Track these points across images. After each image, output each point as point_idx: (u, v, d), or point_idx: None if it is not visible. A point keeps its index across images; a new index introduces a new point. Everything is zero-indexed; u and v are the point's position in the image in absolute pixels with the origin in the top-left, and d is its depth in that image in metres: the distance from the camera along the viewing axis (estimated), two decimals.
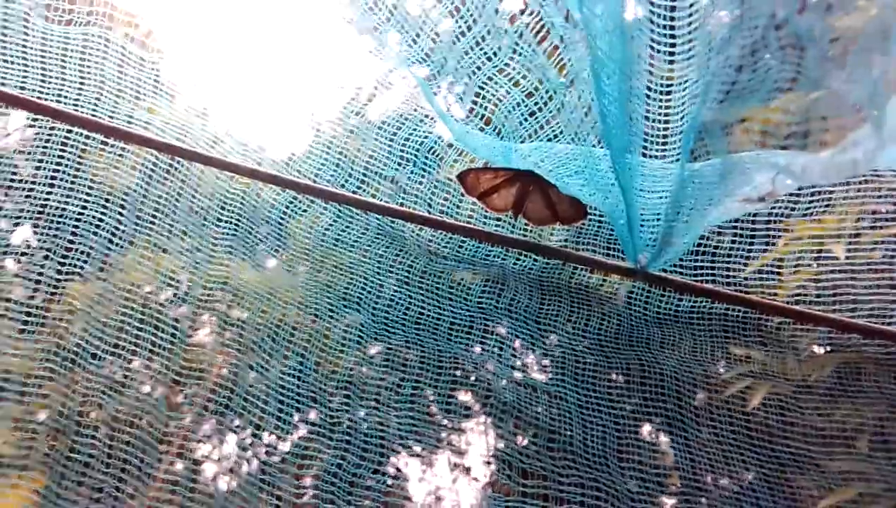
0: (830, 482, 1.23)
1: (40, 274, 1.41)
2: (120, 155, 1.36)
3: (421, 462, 1.84)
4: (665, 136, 1.05)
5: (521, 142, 1.19)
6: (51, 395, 1.47)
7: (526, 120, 1.20)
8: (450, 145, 1.37)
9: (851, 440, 1.22)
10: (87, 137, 1.38)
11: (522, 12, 1.12)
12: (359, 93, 1.37)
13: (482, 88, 1.21)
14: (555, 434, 1.65)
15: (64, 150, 1.36)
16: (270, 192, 1.44)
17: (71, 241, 1.39)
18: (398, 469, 1.80)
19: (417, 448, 1.77)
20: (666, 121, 1.04)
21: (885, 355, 1.19)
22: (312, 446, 1.67)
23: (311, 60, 1.42)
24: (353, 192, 1.41)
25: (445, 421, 1.80)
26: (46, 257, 1.38)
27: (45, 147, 1.36)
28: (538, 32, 1.12)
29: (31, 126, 1.36)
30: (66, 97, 1.36)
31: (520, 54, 1.15)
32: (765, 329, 1.29)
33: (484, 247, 1.48)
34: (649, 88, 0.99)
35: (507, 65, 1.16)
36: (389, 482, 1.75)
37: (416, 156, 1.37)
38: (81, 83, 1.35)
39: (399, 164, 1.37)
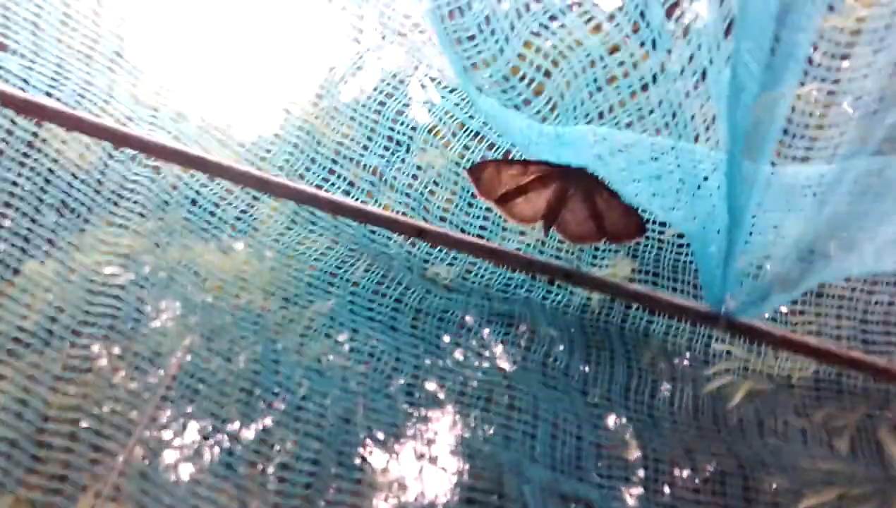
0: (811, 482, 1.21)
1: None
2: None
3: (387, 451, 1.83)
4: (820, 126, 0.76)
5: (580, 124, 0.85)
6: (6, 379, 1.42)
7: (599, 91, 0.80)
8: (430, 131, 1.14)
9: (832, 440, 1.20)
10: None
11: None
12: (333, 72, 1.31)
13: (535, 36, 0.80)
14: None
15: (13, 126, 1.30)
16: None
17: (31, 220, 1.34)
18: (364, 459, 1.78)
19: (384, 437, 1.76)
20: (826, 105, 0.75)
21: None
22: (278, 434, 1.64)
23: (284, 38, 1.38)
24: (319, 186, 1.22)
25: (413, 411, 1.79)
26: (1, 236, 1.32)
27: None
28: None
29: None
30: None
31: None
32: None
33: (501, 273, 1.17)
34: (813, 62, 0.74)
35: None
36: (357, 471, 1.74)
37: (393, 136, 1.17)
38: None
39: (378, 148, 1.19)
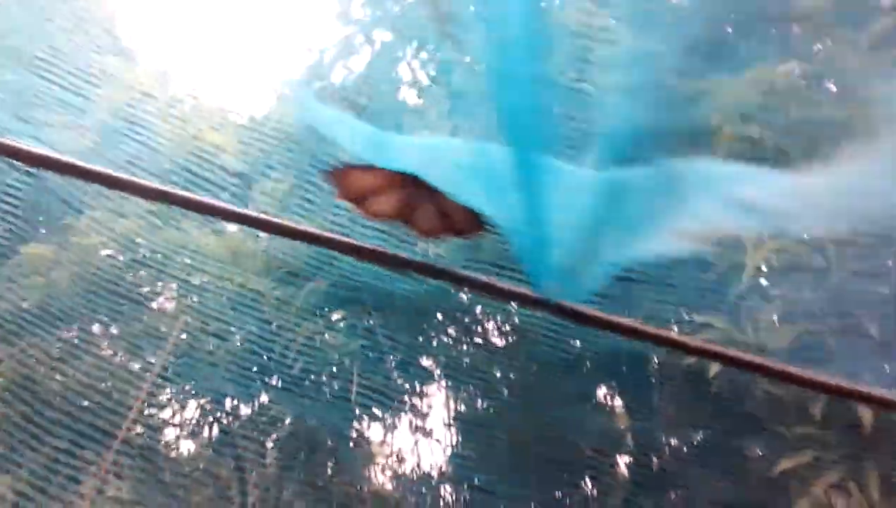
0: (788, 447, 1.26)
1: None
2: (76, 108, 1.31)
3: (383, 425, 1.87)
4: (589, 134, 0.83)
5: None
6: (5, 360, 1.45)
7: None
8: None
9: (806, 407, 1.25)
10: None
11: None
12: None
13: None
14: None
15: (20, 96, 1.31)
16: (230, 155, 1.42)
17: (30, 203, 1.35)
18: (361, 433, 1.82)
19: (380, 411, 1.79)
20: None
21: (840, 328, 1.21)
22: (275, 411, 1.68)
23: (276, 21, 1.39)
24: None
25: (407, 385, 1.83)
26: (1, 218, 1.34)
27: None
28: None
29: None
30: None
31: None
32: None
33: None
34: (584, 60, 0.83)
35: None
36: (354, 445, 1.78)
37: None
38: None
39: None
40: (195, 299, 1.53)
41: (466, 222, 0.93)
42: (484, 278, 0.99)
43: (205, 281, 1.51)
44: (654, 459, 1.60)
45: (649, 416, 1.57)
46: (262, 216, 0.97)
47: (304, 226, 1.02)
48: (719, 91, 1.21)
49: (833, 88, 1.33)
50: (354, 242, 1.01)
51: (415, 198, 0.92)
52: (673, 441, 1.53)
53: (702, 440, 1.44)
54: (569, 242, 0.81)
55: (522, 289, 0.94)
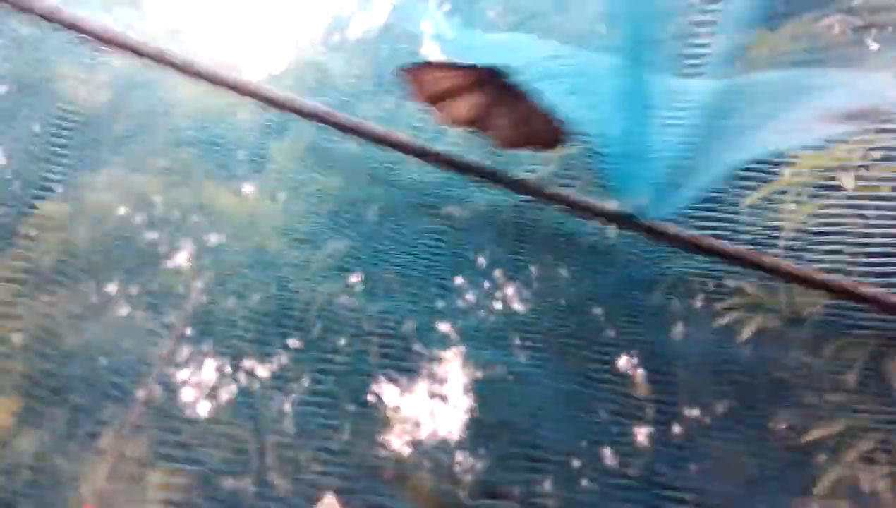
0: (819, 416, 1.23)
1: (10, 193, 1.36)
2: (90, 65, 1.29)
3: (401, 390, 1.86)
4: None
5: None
6: (25, 317, 1.45)
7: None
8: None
9: (840, 374, 1.21)
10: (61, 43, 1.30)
11: None
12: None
13: None
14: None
15: (37, 52, 1.29)
16: (247, 112, 1.39)
17: (44, 160, 1.34)
18: (379, 397, 1.81)
19: (397, 375, 1.78)
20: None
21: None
22: (293, 372, 1.67)
23: None
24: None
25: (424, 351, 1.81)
26: (16, 176, 1.33)
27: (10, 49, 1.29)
28: None
29: None
30: None
31: None
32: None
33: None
34: None
35: None
36: (371, 409, 1.77)
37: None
38: None
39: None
40: (212, 259, 1.51)
41: (547, 132, 0.87)
42: (572, 194, 1.00)
43: (222, 241, 1.49)
44: (677, 428, 1.58)
45: (672, 385, 1.54)
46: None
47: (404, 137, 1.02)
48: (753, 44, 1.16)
49: (874, 45, 1.28)
50: (451, 156, 1.01)
51: (494, 102, 0.86)
52: (696, 410, 1.50)
53: (727, 409, 1.41)
54: (663, 159, 0.78)
55: (609, 206, 0.94)
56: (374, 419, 1.81)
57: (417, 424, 1.95)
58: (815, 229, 1.13)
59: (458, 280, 1.75)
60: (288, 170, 1.42)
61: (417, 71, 0.87)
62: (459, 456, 1.87)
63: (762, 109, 0.74)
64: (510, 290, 1.93)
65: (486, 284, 1.86)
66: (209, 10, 1.39)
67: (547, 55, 0.82)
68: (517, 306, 1.91)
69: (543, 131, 0.87)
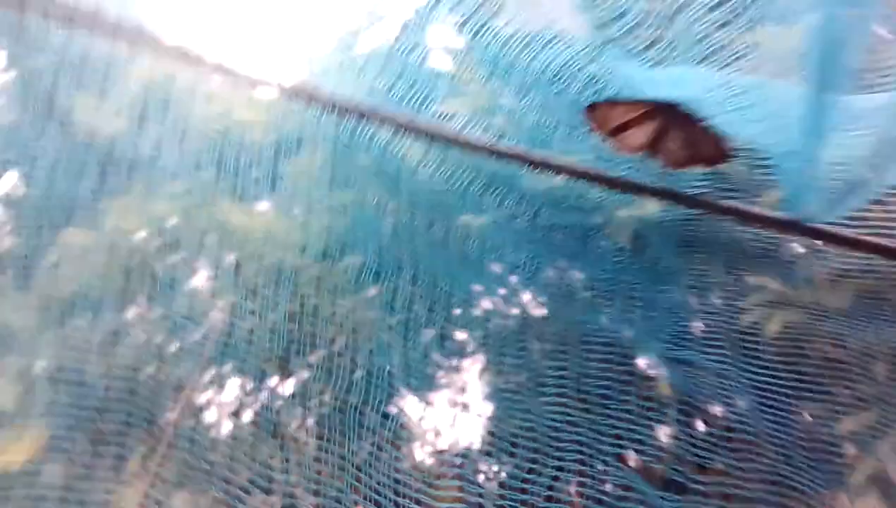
0: (848, 407, 1.23)
1: (31, 223, 1.37)
2: (106, 91, 1.30)
3: (422, 401, 1.86)
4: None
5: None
6: (48, 346, 1.46)
7: (706, 37, 0.99)
8: (452, 78, 1.24)
9: (869, 365, 1.21)
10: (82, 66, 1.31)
11: None
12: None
13: None
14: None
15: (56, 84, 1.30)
16: (259, 132, 1.40)
17: (65, 187, 1.35)
18: (400, 409, 1.82)
19: (418, 386, 1.78)
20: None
21: None
22: (315, 388, 1.68)
23: None
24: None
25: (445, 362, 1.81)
26: (37, 205, 1.34)
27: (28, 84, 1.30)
28: None
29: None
30: None
31: None
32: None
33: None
34: None
35: None
36: (393, 421, 1.77)
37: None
38: None
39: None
40: (230, 279, 1.52)
41: (713, 151, 1.00)
42: (740, 206, 1.11)
43: (240, 261, 1.50)
44: (702, 425, 1.57)
45: (695, 381, 1.54)
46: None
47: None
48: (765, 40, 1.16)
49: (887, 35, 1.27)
50: (623, 177, 1.14)
51: (665, 128, 0.99)
52: (722, 405, 1.50)
53: (753, 405, 1.41)
54: (832, 167, 0.87)
55: (777, 214, 1.03)
56: (397, 431, 1.81)
57: (440, 434, 1.95)
58: None
59: (477, 287, 1.76)
60: (301, 187, 1.43)
61: (598, 109, 1.02)
62: (482, 465, 1.87)
63: None
64: (526, 296, 1.93)
65: (503, 290, 1.87)
66: (219, 29, 1.39)
67: (718, 84, 0.94)
68: (535, 310, 1.91)
69: (711, 149, 1.00)
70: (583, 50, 1.11)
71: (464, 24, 1.12)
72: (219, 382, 1.69)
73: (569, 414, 1.61)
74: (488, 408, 1.91)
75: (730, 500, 1.44)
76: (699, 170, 1.16)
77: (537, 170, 1.26)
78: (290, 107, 1.38)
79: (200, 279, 1.57)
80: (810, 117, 0.79)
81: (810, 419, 1.31)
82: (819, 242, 1.13)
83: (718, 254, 1.37)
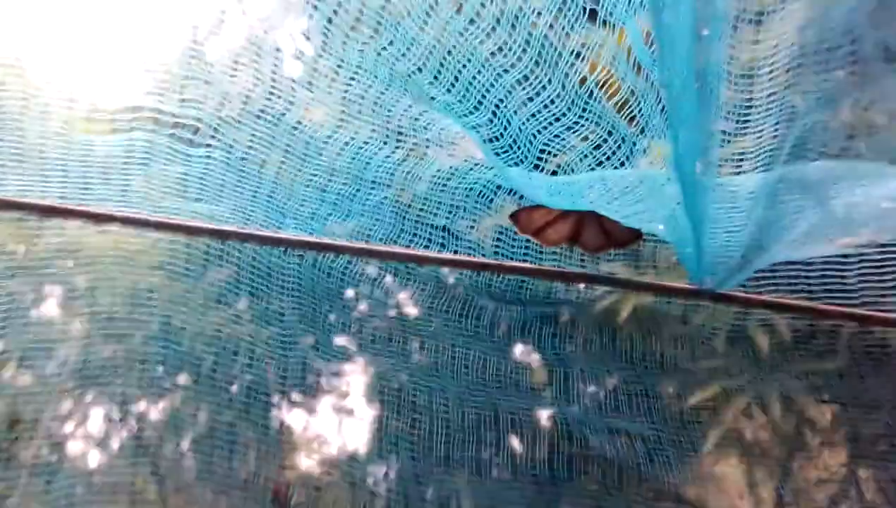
0: (696, 381, 1.35)
1: None
2: None
3: (305, 410, 1.83)
4: (742, 151, 1.01)
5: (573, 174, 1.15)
6: None
7: (594, 169, 1.13)
8: (498, 187, 1.34)
9: (710, 341, 1.33)
10: None
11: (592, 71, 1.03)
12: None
13: (548, 144, 1.13)
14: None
15: None
16: (108, 138, 1.32)
17: None
18: (282, 421, 1.78)
19: (299, 396, 1.75)
20: (745, 122, 0.98)
21: None
22: (188, 410, 1.61)
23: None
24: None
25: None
26: None
27: None
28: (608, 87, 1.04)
29: None
30: None
31: (588, 111, 1.06)
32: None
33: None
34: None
35: (575, 123, 1.08)
36: (276, 434, 1.73)
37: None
38: None
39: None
40: (85, 302, 1.43)
41: (625, 235, 1.14)
42: (651, 281, 1.30)
43: (93, 283, 1.41)
44: (575, 408, 1.65)
45: (566, 368, 1.61)
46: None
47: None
48: None
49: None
50: (538, 267, 1.35)
51: (581, 221, 1.14)
52: (591, 389, 1.57)
53: (618, 384, 1.49)
54: (727, 242, 0.99)
55: (683, 285, 1.18)
56: (280, 444, 1.77)
57: (325, 441, 1.93)
58: None
59: (350, 292, 1.75)
60: (155, 199, 1.36)
61: (520, 214, 1.18)
62: (371, 469, 1.87)
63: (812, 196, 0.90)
64: (403, 295, 1.94)
65: (377, 291, 1.87)
66: (51, 38, 1.30)
67: (615, 184, 1.05)
68: (411, 310, 1.93)
69: (622, 234, 1.14)
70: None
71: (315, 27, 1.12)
72: (81, 413, 1.59)
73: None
74: (373, 410, 1.91)
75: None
76: (614, 252, 1.31)
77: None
78: (138, 120, 1.31)
79: (50, 306, 1.47)
80: (687, 203, 0.89)
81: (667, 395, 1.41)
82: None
83: None
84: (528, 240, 1.36)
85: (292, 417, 1.80)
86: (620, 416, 1.46)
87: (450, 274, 1.62)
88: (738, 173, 1.01)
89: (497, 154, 1.14)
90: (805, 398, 1.31)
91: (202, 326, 1.46)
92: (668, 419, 1.40)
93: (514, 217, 1.18)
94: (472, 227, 1.39)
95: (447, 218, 1.39)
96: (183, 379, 1.53)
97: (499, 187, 1.33)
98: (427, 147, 1.30)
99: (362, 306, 1.82)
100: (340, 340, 1.83)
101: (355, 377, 1.89)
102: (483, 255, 1.41)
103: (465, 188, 1.34)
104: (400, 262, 1.46)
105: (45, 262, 1.40)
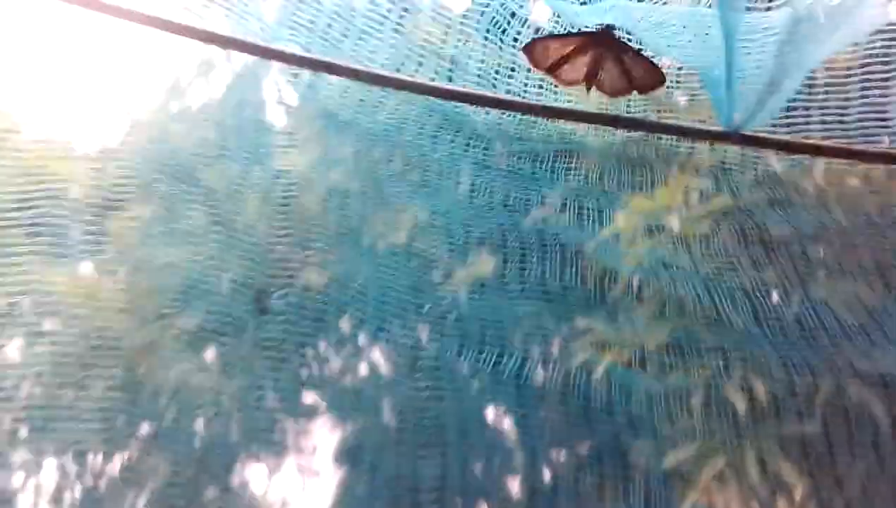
0: (673, 442, 1.32)
1: None
2: None
3: (268, 468, 1.77)
4: None
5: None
6: None
7: None
8: (512, 15, 1.21)
9: (687, 402, 1.31)
10: None
11: None
12: None
13: None
14: None
15: None
16: (82, 189, 1.30)
17: None
18: (244, 480, 1.71)
19: (263, 454, 1.70)
20: None
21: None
22: (147, 463, 1.54)
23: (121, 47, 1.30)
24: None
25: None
26: None
27: None
28: None
29: None
30: None
31: None
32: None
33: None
34: None
35: None
36: (237, 493, 1.67)
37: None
38: None
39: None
40: (46, 348, 1.38)
41: (648, 78, 1.08)
42: (677, 124, 1.22)
43: (57, 327, 1.37)
44: (546, 473, 1.61)
45: (537, 432, 1.58)
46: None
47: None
48: None
49: None
50: (565, 107, 1.22)
51: (599, 60, 1.05)
52: (562, 454, 1.55)
53: (591, 448, 1.47)
54: (754, 78, 0.99)
55: (711, 127, 1.13)
56: (243, 502, 1.70)
57: (288, 503, 1.86)
58: None
59: (322, 346, 1.72)
60: (130, 246, 1.34)
61: (534, 46, 1.06)
62: None
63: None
64: (375, 353, 1.91)
65: (350, 348, 1.84)
66: (32, 82, 1.30)
67: (642, 15, 1.03)
68: (384, 369, 1.89)
69: (645, 77, 1.07)
70: None
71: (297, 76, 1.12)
72: (34, 464, 1.52)
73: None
74: (339, 472, 1.85)
75: None
76: (636, 96, 1.24)
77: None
78: (115, 163, 1.30)
79: (10, 350, 1.42)
80: (725, 34, 0.89)
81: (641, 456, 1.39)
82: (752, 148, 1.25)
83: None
84: (542, 81, 1.24)
85: (256, 475, 1.74)
86: (594, 481, 1.43)
87: None
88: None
89: None
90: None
91: (168, 375, 1.42)
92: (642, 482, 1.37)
93: (527, 49, 1.08)
94: (482, 61, 1.27)
95: (455, 48, 1.27)
96: (144, 430, 1.48)
97: (513, 14, 1.21)
98: None
99: (334, 363, 1.79)
100: (310, 397, 1.79)
101: (322, 435, 1.84)
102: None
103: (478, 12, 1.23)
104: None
105: (7, 304, 1.36)
